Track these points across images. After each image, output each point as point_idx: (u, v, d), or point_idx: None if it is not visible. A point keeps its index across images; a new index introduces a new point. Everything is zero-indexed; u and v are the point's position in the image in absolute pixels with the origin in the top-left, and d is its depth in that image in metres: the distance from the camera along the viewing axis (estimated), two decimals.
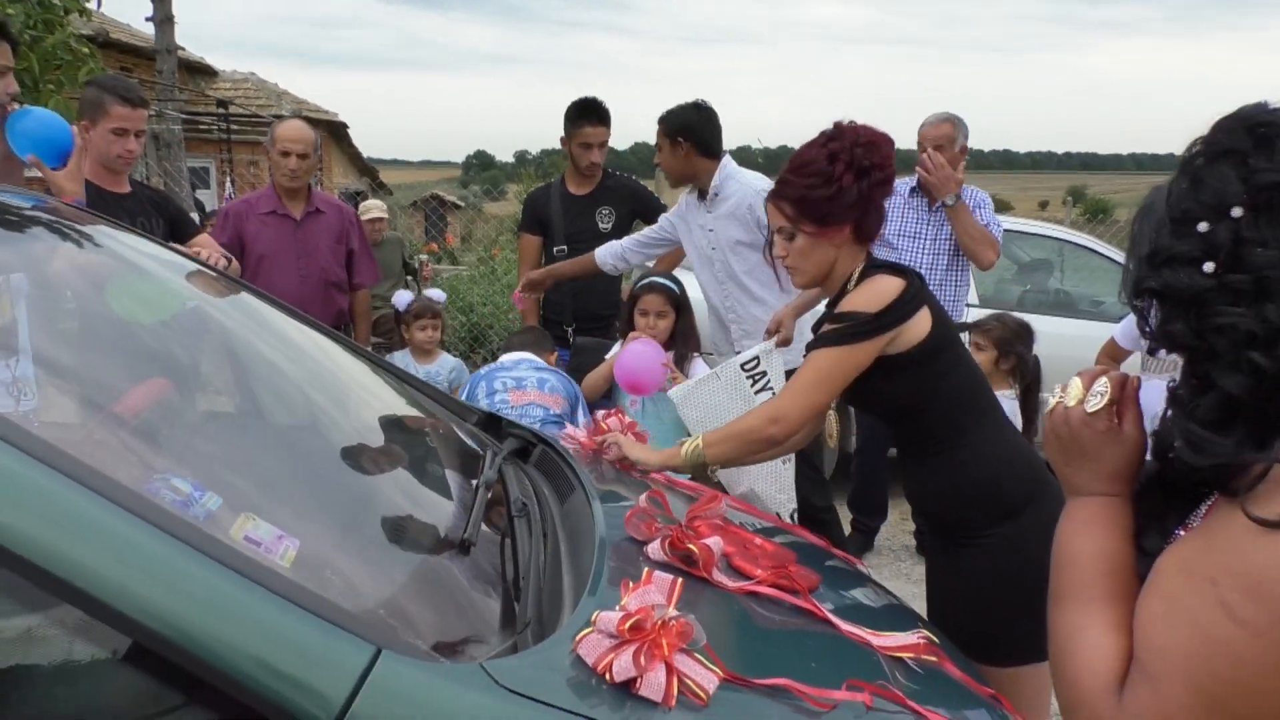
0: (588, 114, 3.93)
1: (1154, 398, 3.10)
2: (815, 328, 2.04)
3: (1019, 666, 1.91)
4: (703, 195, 3.35)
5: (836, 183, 1.90)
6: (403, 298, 4.49)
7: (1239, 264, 0.81)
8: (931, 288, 2.10)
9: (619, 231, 3.99)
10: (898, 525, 4.61)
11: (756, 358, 2.78)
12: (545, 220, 4.12)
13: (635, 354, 3.10)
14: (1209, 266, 0.82)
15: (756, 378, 2.78)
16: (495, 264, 11.32)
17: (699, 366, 3.27)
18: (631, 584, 1.18)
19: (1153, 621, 0.85)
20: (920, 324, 1.92)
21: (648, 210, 4.10)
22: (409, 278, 6.62)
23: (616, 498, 1.83)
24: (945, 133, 4.14)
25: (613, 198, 4.05)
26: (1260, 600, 0.77)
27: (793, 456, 2.99)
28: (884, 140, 1.96)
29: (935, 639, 1.55)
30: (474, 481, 1.63)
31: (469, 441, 2.00)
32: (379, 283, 5.32)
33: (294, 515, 1.21)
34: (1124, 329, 3.37)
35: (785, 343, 2.85)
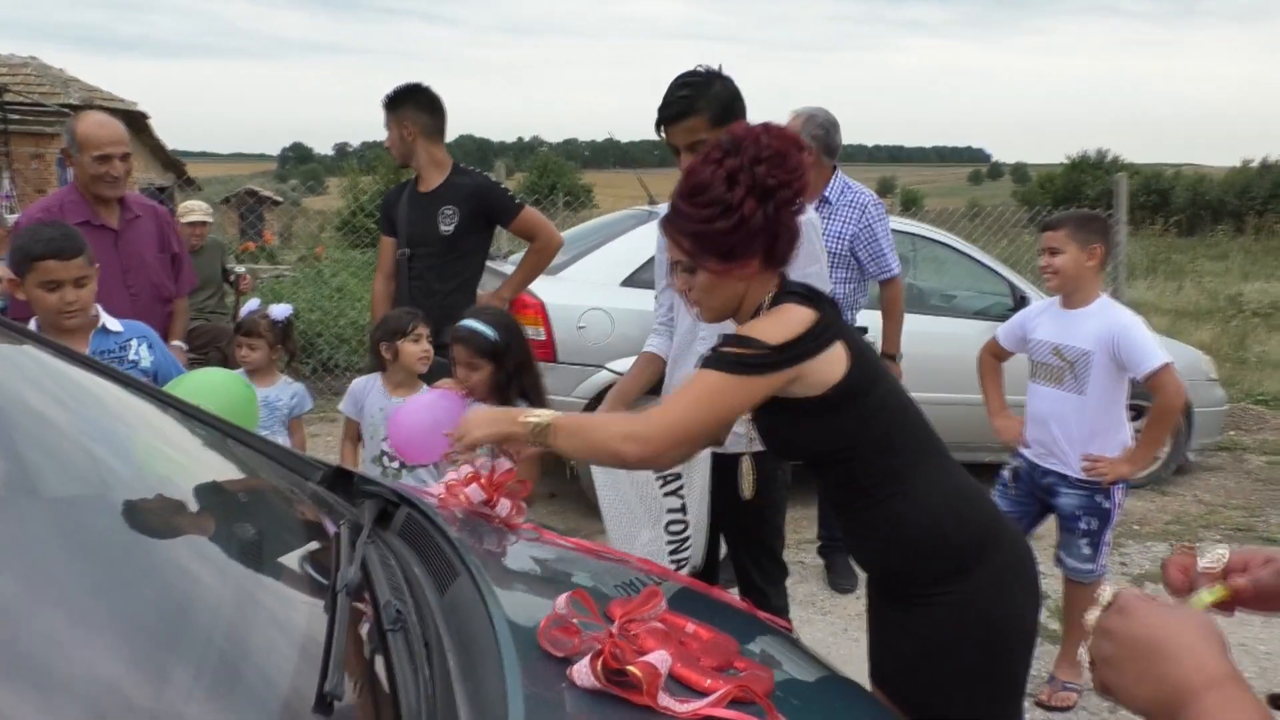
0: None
1: (1041, 407, 2.95)
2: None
3: None
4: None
5: (738, 211, 1.60)
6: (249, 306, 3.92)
7: None
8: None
9: (463, 235, 3.56)
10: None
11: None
12: (393, 220, 3.69)
13: (412, 411, 2.62)
14: None
15: (668, 479, 2.46)
16: (321, 264, 10.58)
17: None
18: None
19: None
20: (833, 364, 1.64)
21: (494, 209, 3.67)
22: (226, 286, 5.93)
23: (514, 581, 1.46)
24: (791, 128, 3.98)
25: (456, 195, 3.61)
26: None
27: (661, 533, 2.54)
28: (791, 148, 1.65)
29: None
30: (328, 584, 1.23)
31: (312, 517, 1.58)
32: (196, 291, 4.71)
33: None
34: (1008, 330, 3.26)
35: (717, 443, 2.44)
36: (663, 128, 2.47)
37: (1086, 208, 8.89)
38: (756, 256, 1.67)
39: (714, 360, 1.65)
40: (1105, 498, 2.98)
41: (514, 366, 2.72)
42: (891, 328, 3.89)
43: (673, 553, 2.51)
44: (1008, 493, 3.17)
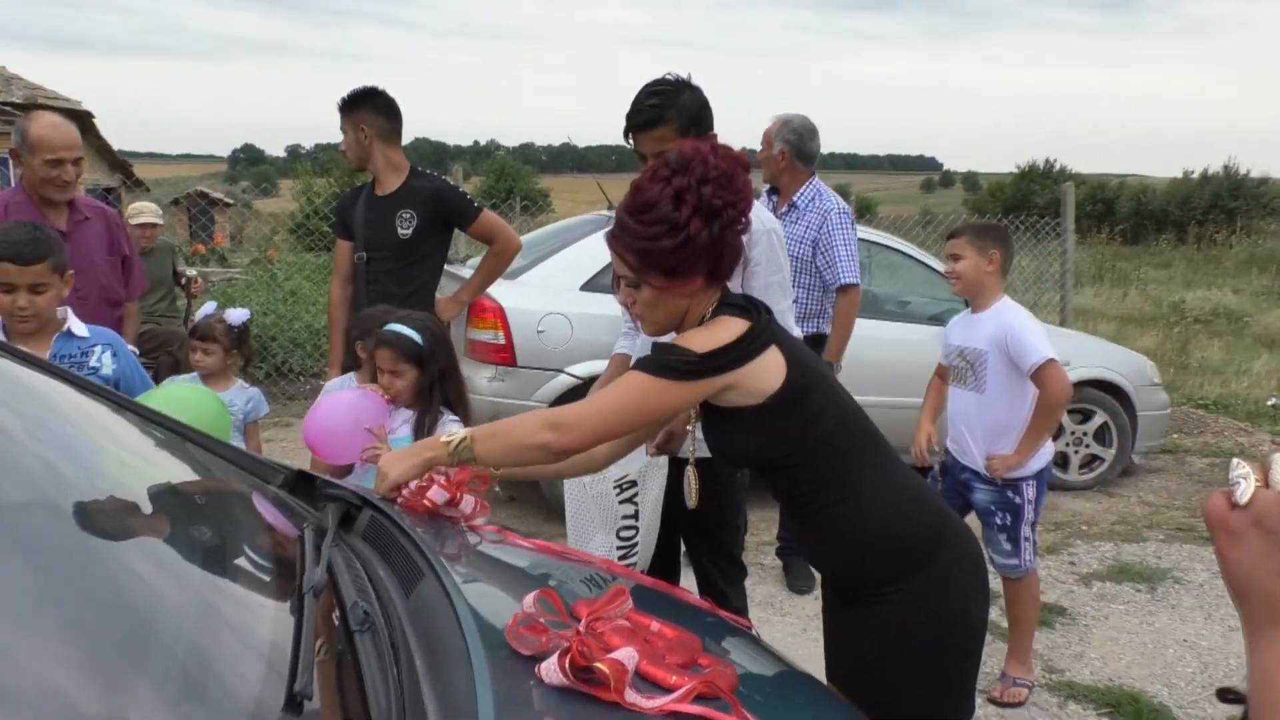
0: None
1: (954, 408, 3.02)
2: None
3: None
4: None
5: (684, 230, 1.63)
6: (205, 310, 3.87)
7: None
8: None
9: (420, 238, 3.55)
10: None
11: (627, 472, 2.45)
12: (349, 223, 3.66)
13: (331, 410, 2.59)
14: None
15: (624, 486, 2.48)
16: (274, 267, 10.45)
17: (447, 427, 2.73)
18: None
19: None
20: (768, 372, 1.66)
21: (452, 213, 3.66)
22: (177, 289, 5.84)
23: (480, 582, 1.47)
24: (767, 132, 3.99)
25: (414, 198, 3.59)
26: None
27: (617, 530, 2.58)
28: (738, 169, 1.68)
29: None
30: (295, 586, 1.23)
31: (273, 519, 1.58)
32: (146, 294, 4.63)
33: None
34: (944, 345, 3.31)
35: (670, 453, 2.37)
36: (630, 135, 2.49)
37: (1035, 216, 9.08)
38: (700, 275, 1.70)
39: (643, 363, 1.69)
40: (1015, 493, 3.04)
41: (438, 373, 2.71)
42: (835, 336, 3.84)
43: (622, 557, 2.54)
44: (936, 486, 3.26)
